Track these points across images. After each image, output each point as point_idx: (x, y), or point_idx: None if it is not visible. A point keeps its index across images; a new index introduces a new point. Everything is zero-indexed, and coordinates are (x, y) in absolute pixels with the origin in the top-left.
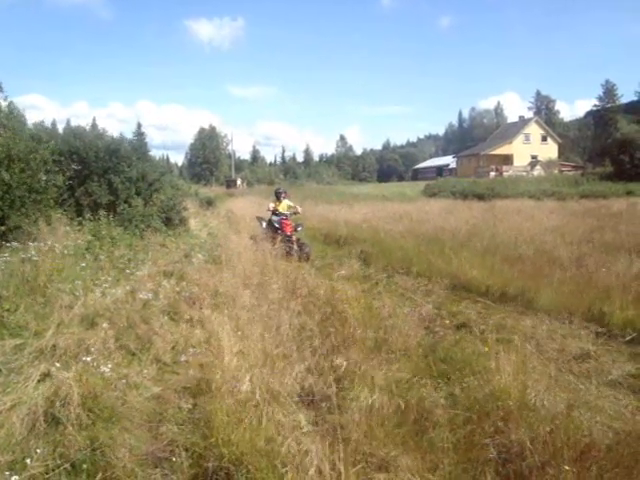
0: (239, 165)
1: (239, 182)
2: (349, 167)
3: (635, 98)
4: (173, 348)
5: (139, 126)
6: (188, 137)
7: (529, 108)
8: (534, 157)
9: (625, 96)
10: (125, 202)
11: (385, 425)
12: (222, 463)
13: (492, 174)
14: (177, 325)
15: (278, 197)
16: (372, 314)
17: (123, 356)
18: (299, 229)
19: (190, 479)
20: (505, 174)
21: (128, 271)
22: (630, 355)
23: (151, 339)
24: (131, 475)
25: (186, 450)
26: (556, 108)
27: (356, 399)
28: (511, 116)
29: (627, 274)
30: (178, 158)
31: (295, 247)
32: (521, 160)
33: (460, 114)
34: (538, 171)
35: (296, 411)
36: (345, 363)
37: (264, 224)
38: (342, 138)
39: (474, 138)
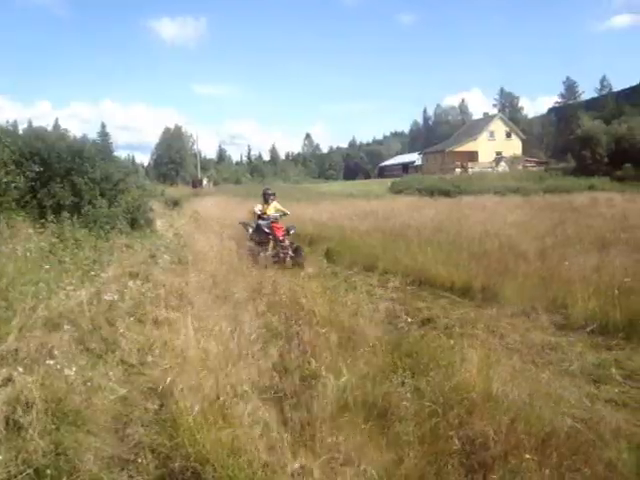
0: (205, 165)
1: (205, 182)
2: (315, 165)
3: (595, 95)
4: (139, 349)
5: (103, 126)
6: (153, 137)
7: (493, 105)
8: (499, 153)
9: (586, 93)
10: (89, 203)
11: (351, 420)
12: (188, 463)
13: (458, 171)
14: (143, 326)
15: (266, 199)
16: (338, 311)
17: (88, 359)
18: (292, 231)
19: None
20: (470, 171)
21: (93, 273)
22: (591, 345)
23: (117, 341)
24: (96, 479)
25: (152, 451)
26: (520, 105)
27: (322, 395)
28: (476, 113)
29: (588, 267)
30: (144, 158)
31: (290, 252)
32: (486, 157)
33: (425, 111)
34: (503, 167)
35: (262, 409)
36: (311, 360)
37: (250, 230)
38: (308, 136)
39: (439, 135)
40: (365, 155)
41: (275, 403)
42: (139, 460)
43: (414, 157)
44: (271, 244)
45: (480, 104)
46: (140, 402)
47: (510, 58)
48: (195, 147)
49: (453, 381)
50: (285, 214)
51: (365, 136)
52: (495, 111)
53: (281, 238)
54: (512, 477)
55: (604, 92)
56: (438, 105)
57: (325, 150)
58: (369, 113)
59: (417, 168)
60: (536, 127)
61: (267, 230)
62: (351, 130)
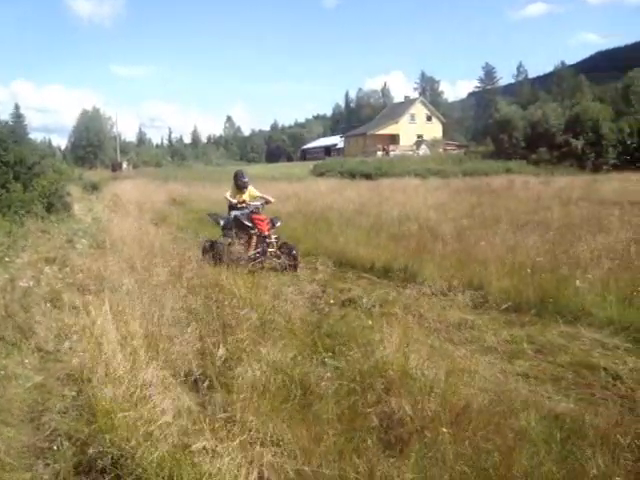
0: (125, 148)
1: (125, 165)
2: (237, 148)
3: (513, 81)
4: (56, 336)
5: (17, 107)
6: (71, 119)
7: (414, 88)
8: (420, 137)
9: (504, 79)
10: (2, 187)
11: (271, 401)
12: (105, 449)
13: (379, 153)
14: (60, 312)
15: (240, 185)
16: (258, 294)
17: (2, 347)
18: (277, 224)
19: (74, 467)
20: (392, 153)
21: (7, 259)
22: (505, 322)
23: (32, 328)
24: (10, 469)
25: (69, 438)
26: (440, 89)
27: (242, 377)
28: (397, 96)
29: (503, 247)
30: (61, 141)
31: (273, 250)
32: (407, 140)
33: (347, 94)
34: (424, 150)
35: (181, 393)
36: (231, 343)
37: (222, 222)
38: (229, 119)
39: (361, 118)
40: (287, 138)
41: (195, 387)
42: (55, 447)
43: (336, 140)
44: (253, 241)
45: (401, 87)
46: (57, 389)
47: (431, 43)
48: (114, 130)
49: (372, 360)
50: (268, 202)
51: (287, 119)
52: (416, 95)
53: (266, 233)
54: (428, 450)
55: (520, 78)
56: (360, 89)
57: (247, 133)
58: (291, 96)
59: (339, 151)
60: (456, 111)
61: (247, 223)
62: (273, 113)
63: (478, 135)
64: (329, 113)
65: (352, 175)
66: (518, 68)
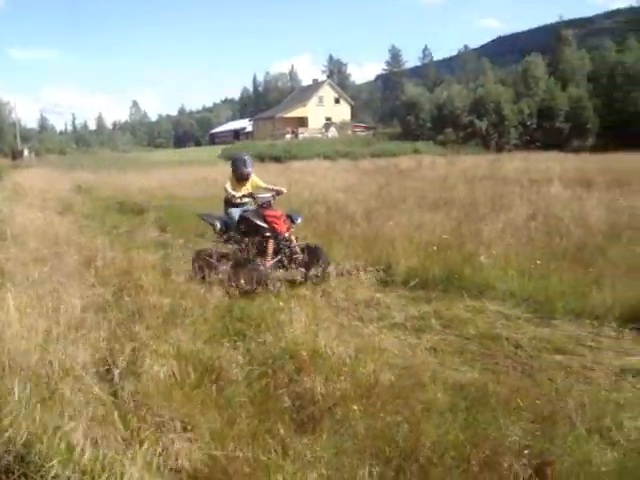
0: (26, 134)
1: (26, 153)
2: (145, 134)
3: (419, 63)
4: None
5: None
6: None
7: (322, 71)
8: (328, 119)
9: (410, 61)
10: None
11: (183, 388)
12: (11, 447)
13: (288, 136)
14: None
15: (242, 173)
16: (169, 280)
17: None
18: (298, 220)
19: None
20: (301, 136)
21: None
22: (413, 299)
23: None
24: None
25: None
26: (348, 72)
27: (154, 365)
28: (305, 79)
29: (411, 226)
30: None
31: (300, 257)
32: (316, 122)
33: (255, 78)
34: (332, 133)
35: (91, 383)
36: (142, 331)
37: (218, 225)
38: (135, 104)
39: (270, 101)
40: (195, 122)
41: (105, 376)
42: None
43: (245, 123)
44: (271, 247)
45: (309, 71)
46: None
47: (339, 26)
48: (13, 116)
49: (283, 341)
50: (279, 193)
51: (195, 104)
52: (324, 77)
53: (287, 234)
54: (339, 427)
55: (426, 61)
56: (267, 72)
57: (154, 118)
58: (198, 80)
59: (248, 134)
60: (364, 93)
61: (261, 224)
62: (180, 97)
63: (386, 117)
64: (237, 97)
65: (261, 158)
66: (424, 51)
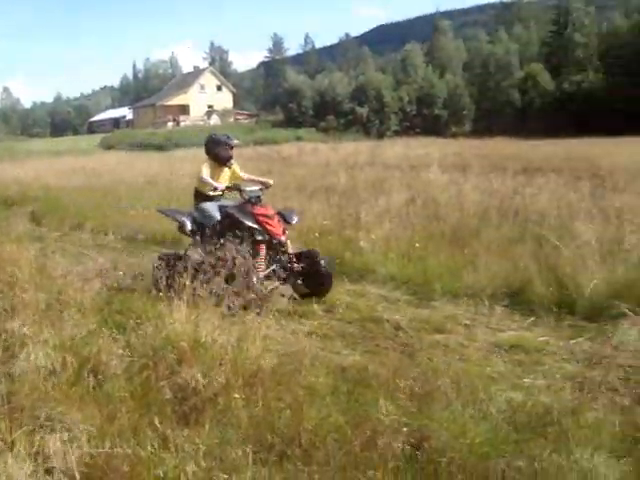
0: None
1: None
2: (18, 122)
3: (301, 51)
4: None
5: None
6: None
7: (204, 58)
8: (210, 107)
9: (292, 49)
10: None
11: (61, 385)
12: None
13: (170, 124)
14: None
15: (223, 157)
16: (44, 275)
17: None
18: (294, 220)
19: None
20: (183, 124)
21: None
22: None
23: None
24: None
25: None
26: (229, 59)
27: (29, 364)
28: (186, 66)
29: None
30: None
31: (299, 267)
32: (198, 110)
33: (134, 65)
34: (215, 120)
35: None
36: (15, 327)
37: (188, 223)
38: (6, 90)
39: (151, 89)
40: (73, 110)
41: None
42: None
43: (125, 112)
44: (262, 254)
45: (190, 57)
46: None
47: (221, 14)
48: None
49: (164, 333)
50: (267, 186)
51: (72, 90)
52: (206, 65)
53: (283, 239)
54: (222, 416)
55: (308, 49)
56: (147, 59)
57: (28, 105)
58: (74, 66)
59: (129, 123)
60: (246, 81)
61: (251, 224)
62: (56, 84)
63: (268, 104)
64: (117, 84)
65: (143, 147)
66: (305, 39)
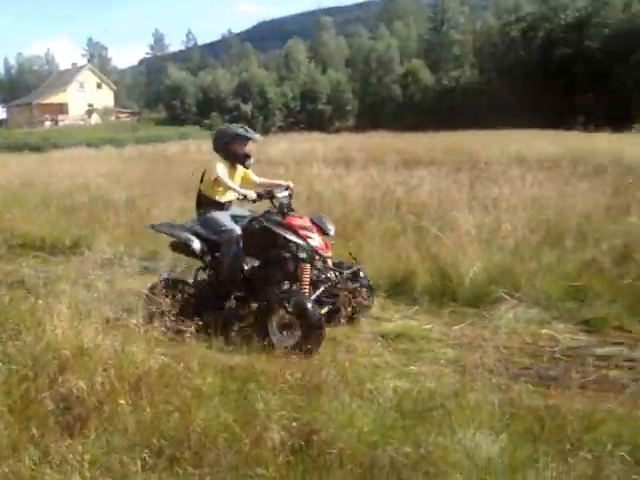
0: None
1: None
2: None
3: (183, 47)
4: None
5: None
6: None
7: (82, 55)
8: (90, 105)
9: (174, 45)
10: None
11: None
12: None
13: (47, 124)
14: None
15: (239, 155)
16: None
17: None
18: (331, 232)
19: None
20: (61, 123)
21: None
22: None
23: None
24: None
25: None
26: (109, 55)
27: None
28: (63, 63)
29: (171, 211)
30: None
31: (348, 288)
32: (77, 109)
33: (6, 61)
34: (95, 119)
35: None
36: None
37: (196, 244)
38: None
39: (26, 86)
40: None
41: None
42: None
43: None
44: (307, 275)
45: (68, 54)
46: None
47: (99, 9)
48: None
49: (44, 341)
50: (292, 190)
51: None
52: (84, 61)
53: (328, 254)
54: (108, 424)
55: (190, 45)
56: (20, 54)
57: None
58: None
59: (2, 122)
60: (128, 78)
61: (296, 240)
62: None
63: (151, 102)
64: None
65: (18, 148)
66: (187, 35)
